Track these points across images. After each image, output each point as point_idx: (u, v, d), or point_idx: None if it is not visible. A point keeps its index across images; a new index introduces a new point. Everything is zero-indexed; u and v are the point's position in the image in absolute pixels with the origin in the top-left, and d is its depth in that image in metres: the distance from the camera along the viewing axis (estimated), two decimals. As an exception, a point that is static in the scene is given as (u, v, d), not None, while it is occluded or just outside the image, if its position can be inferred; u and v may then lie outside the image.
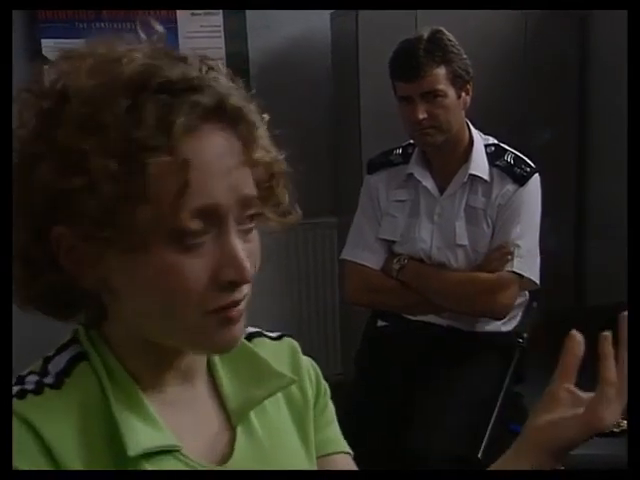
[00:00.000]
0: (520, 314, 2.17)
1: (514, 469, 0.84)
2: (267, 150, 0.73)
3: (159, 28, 0.73)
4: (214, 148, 0.68)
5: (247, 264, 0.70)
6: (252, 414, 0.81)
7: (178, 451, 0.74)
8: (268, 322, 0.97)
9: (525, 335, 2.18)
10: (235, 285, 0.70)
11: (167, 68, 0.67)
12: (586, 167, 3.37)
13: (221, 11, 3.42)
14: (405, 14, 2.98)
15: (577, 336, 0.82)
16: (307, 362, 0.89)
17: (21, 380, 0.73)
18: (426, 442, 1.82)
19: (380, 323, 2.22)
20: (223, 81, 0.71)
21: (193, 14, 3.42)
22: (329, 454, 0.88)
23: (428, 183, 2.07)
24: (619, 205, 3.16)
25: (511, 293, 1.98)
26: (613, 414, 0.81)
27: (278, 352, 0.87)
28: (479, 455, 1.84)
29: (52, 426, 0.68)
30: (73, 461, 0.68)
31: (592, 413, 0.81)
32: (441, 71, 1.94)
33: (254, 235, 0.73)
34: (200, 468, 0.75)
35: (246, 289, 0.72)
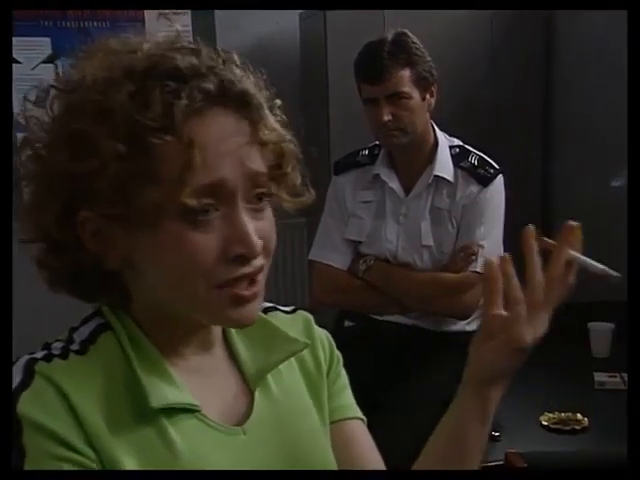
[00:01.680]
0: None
1: (464, 410, 0.83)
2: (275, 130, 0.76)
3: (178, 27, 0.80)
4: (219, 129, 0.71)
5: (255, 238, 0.73)
6: (270, 378, 0.85)
7: (198, 411, 0.77)
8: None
9: (490, 334, 2.20)
10: (244, 259, 0.73)
11: (176, 57, 0.71)
12: (551, 167, 3.42)
13: (189, 11, 3.41)
14: (373, 15, 3.00)
15: (492, 263, 0.80)
16: (321, 332, 0.92)
17: (48, 346, 0.76)
18: (394, 442, 1.83)
19: (347, 323, 2.23)
20: (235, 70, 0.75)
21: (161, 13, 3.41)
22: (342, 419, 0.90)
23: (394, 184, 2.09)
24: (584, 205, 3.21)
25: (475, 293, 2.00)
26: (531, 331, 0.79)
27: (292, 324, 0.90)
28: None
29: (77, 387, 0.72)
30: (97, 419, 0.71)
31: (508, 332, 0.79)
32: (405, 73, 1.96)
33: (266, 214, 0.76)
34: (218, 427, 0.78)
35: (258, 262, 0.74)
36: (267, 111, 0.75)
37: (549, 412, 1.94)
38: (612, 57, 2.90)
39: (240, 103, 0.73)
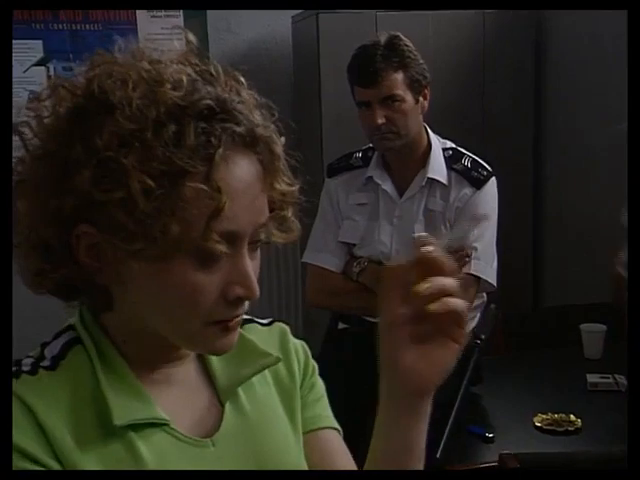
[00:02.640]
0: (478, 316, 2.20)
1: (408, 426, 0.78)
2: (286, 181, 0.78)
3: (192, 38, 0.78)
4: (243, 176, 0.72)
5: (256, 282, 0.74)
6: (240, 391, 0.85)
7: (167, 425, 0.78)
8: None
9: (483, 336, 2.21)
10: (242, 301, 0.75)
11: (206, 93, 0.71)
12: (543, 170, 3.43)
13: (182, 13, 3.41)
14: (366, 17, 3.01)
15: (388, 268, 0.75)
16: (297, 343, 0.93)
17: (18, 363, 0.77)
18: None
19: (341, 325, 2.23)
20: (248, 101, 0.75)
21: (153, 16, 3.41)
22: (317, 429, 0.90)
23: (387, 186, 2.10)
24: (576, 208, 3.23)
25: (468, 295, 2.01)
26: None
27: (268, 335, 0.91)
28: (437, 455, 1.86)
29: (44, 403, 0.73)
30: (64, 436, 0.72)
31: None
32: (398, 76, 1.97)
33: (258, 253, 0.78)
34: (187, 440, 0.79)
35: (247, 304, 0.77)
36: (282, 160, 0.77)
37: (542, 413, 1.95)
38: (605, 60, 2.92)
39: (261, 148, 0.74)
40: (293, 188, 0.79)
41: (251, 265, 0.75)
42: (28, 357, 0.78)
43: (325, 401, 0.93)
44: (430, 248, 0.72)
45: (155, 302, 0.74)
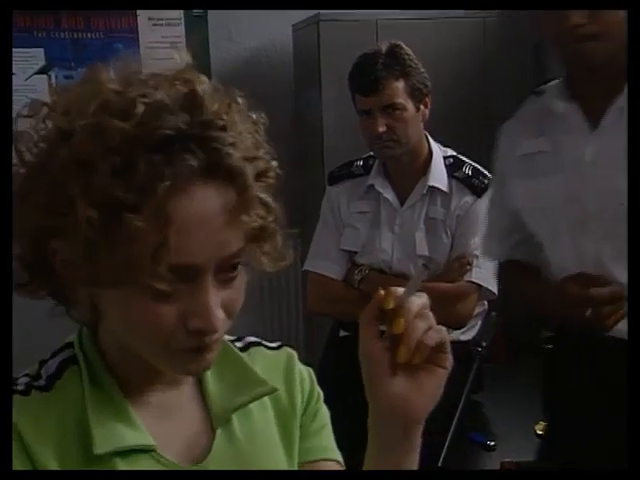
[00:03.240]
0: (479, 323, 2.21)
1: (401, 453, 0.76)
2: (259, 214, 0.72)
3: (188, 57, 0.75)
4: (201, 206, 0.68)
5: (218, 314, 0.71)
6: (235, 418, 0.84)
7: (153, 450, 0.77)
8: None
9: (484, 344, 2.21)
10: (203, 334, 0.71)
11: (167, 121, 0.67)
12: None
13: (183, 22, 3.42)
14: (366, 25, 3.02)
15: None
16: (302, 370, 0.91)
17: (14, 382, 0.77)
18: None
19: (342, 333, 2.23)
20: (235, 124, 0.71)
21: (154, 24, 3.42)
22: (317, 460, 0.88)
23: (389, 194, 2.10)
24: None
25: (470, 303, 2.01)
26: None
27: (274, 361, 0.89)
28: (439, 464, 1.86)
29: (32, 426, 0.72)
30: (48, 461, 0.72)
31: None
32: (400, 85, 1.98)
33: (236, 282, 0.73)
34: (173, 467, 0.78)
35: (218, 335, 0.73)
36: (254, 188, 0.71)
37: (544, 421, 1.95)
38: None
39: (229, 178, 0.69)
40: (266, 222, 0.73)
41: (216, 296, 0.71)
42: (25, 375, 0.78)
43: (328, 431, 0.90)
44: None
45: (124, 325, 0.73)
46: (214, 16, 3.41)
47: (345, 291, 2.11)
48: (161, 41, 3.37)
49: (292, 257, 0.80)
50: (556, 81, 1.53)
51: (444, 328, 0.73)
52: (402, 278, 2.07)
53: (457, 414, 1.95)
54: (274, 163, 0.75)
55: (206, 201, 0.68)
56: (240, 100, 0.74)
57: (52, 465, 0.72)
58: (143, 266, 0.67)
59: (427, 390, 0.74)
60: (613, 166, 1.37)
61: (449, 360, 0.74)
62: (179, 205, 0.67)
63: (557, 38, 1.39)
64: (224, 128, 0.69)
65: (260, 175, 0.72)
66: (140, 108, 0.68)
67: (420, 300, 0.73)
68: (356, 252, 2.13)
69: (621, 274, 1.33)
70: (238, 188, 0.70)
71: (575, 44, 1.35)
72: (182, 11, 3.39)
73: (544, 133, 1.51)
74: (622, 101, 1.39)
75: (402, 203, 2.10)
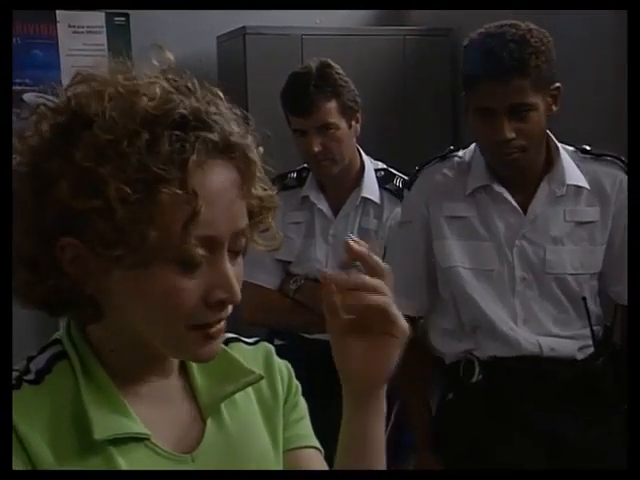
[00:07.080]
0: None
1: (366, 416, 0.83)
2: (262, 186, 0.81)
3: (170, 56, 0.80)
4: (219, 181, 0.75)
5: (237, 285, 0.77)
6: (223, 407, 0.87)
7: (147, 439, 0.80)
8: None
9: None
10: (224, 304, 0.77)
11: (180, 103, 0.74)
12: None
13: (105, 29, 3.38)
14: (291, 40, 3.07)
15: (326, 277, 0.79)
16: (281, 364, 0.95)
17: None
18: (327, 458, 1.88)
19: (277, 342, 2.26)
20: (225, 114, 0.78)
21: (75, 32, 3.36)
22: (298, 448, 0.92)
23: (322, 205, 2.16)
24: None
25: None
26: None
27: (253, 355, 0.93)
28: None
29: (25, 418, 0.74)
30: (43, 450, 0.74)
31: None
32: (332, 105, 2.03)
33: (240, 259, 0.80)
34: (168, 456, 0.81)
35: (230, 308, 0.79)
36: (257, 163, 0.79)
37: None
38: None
39: (237, 155, 0.76)
40: (270, 192, 0.82)
41: (232, 270, 0.77)
42: (13, 370, 0.79)
43: (307, 421, 0.95)
44: (360, 247, 0.78)
45: (139, 308, 0.76)
46: (137, 24, 3.39)
47: (280, 301, 2.15)
48: (82, 48, 3.31)
49: (282, 238, 0.86)
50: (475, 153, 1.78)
51: (388, 297, 0.78)
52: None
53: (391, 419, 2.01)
54: (261, 149, 0.81)
55: (223, 174, 0.75)
56: (221, 94, 0.81)
57: (47, 456, 0.74)
58: (174, 239, 0.71)
59: (382, 357, 0.80)
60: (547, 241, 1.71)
61: (400, 330, 0.79)
62: (204, 177, 0.73)
63: (491, 147, 1.68)
64: (220, 113, 0.76)
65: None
66: (158, 89, 0.73)
67: (357, 274, 0.78)
68: (290, 262, 2.17)
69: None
70: (245, 163, 0.77)
71: (505, 155, 1.65)
72: (104, 19, 3.35)
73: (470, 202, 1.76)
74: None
75: (336, 214, 2.16)
